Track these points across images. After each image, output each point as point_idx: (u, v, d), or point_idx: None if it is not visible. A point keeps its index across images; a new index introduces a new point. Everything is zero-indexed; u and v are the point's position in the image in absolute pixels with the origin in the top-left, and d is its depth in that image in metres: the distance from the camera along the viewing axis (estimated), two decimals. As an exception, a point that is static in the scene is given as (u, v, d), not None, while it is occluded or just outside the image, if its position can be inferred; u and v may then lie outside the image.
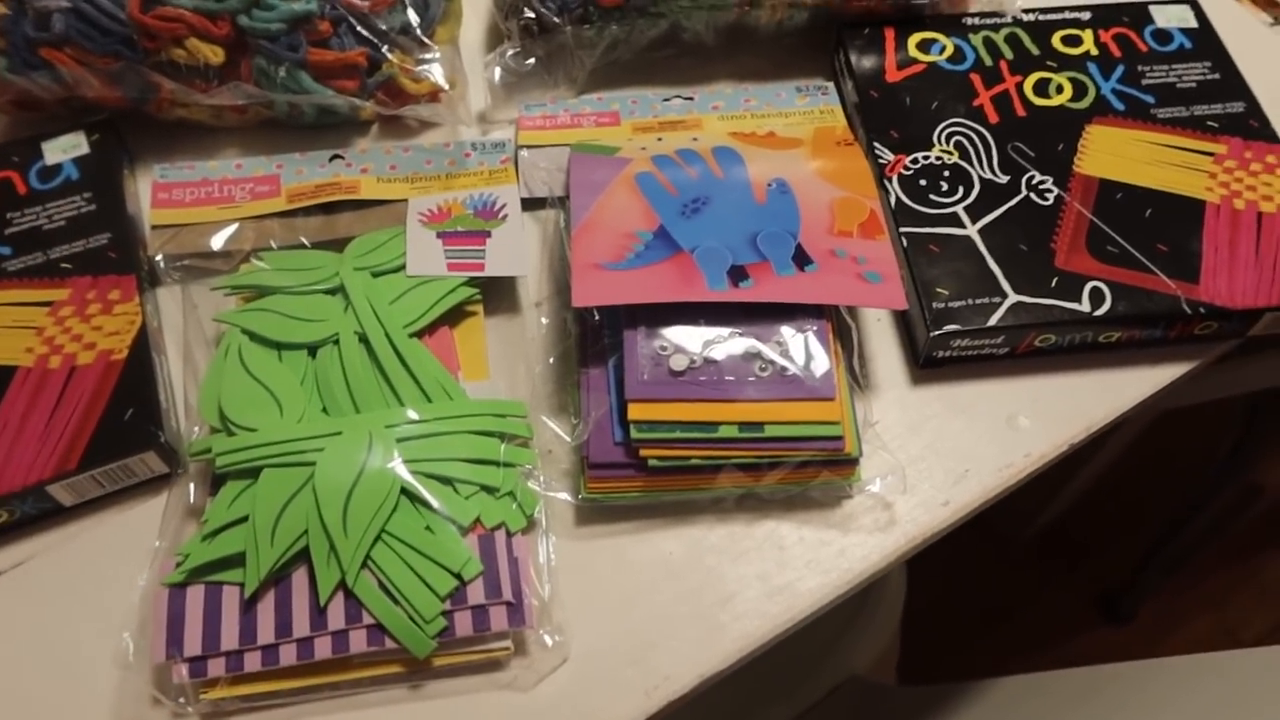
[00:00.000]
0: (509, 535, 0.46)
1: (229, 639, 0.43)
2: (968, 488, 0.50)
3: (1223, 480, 1.09)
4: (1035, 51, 0.62)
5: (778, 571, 0.47)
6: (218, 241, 0.55)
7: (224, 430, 0.47)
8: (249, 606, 0.44)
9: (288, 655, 0.43)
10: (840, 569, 0.48)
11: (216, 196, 0.57)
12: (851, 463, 0.48)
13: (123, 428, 0.48)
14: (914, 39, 0.63)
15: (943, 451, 0.51)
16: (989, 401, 0.52)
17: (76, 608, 0.47)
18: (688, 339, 0.48)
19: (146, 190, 0.59)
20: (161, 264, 0.55)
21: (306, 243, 0.55)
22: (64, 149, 0.58)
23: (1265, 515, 1.29)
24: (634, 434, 0.46)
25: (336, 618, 0.44)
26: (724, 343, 0.48)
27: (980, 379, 0.53)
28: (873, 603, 0.80)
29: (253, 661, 0.43)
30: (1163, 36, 0.63)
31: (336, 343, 0.50)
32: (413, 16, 0.60)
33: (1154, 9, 0.64)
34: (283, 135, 0.62)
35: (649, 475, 0.47)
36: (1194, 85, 0.60)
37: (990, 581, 1.27)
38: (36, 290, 0.53)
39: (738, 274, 0.49)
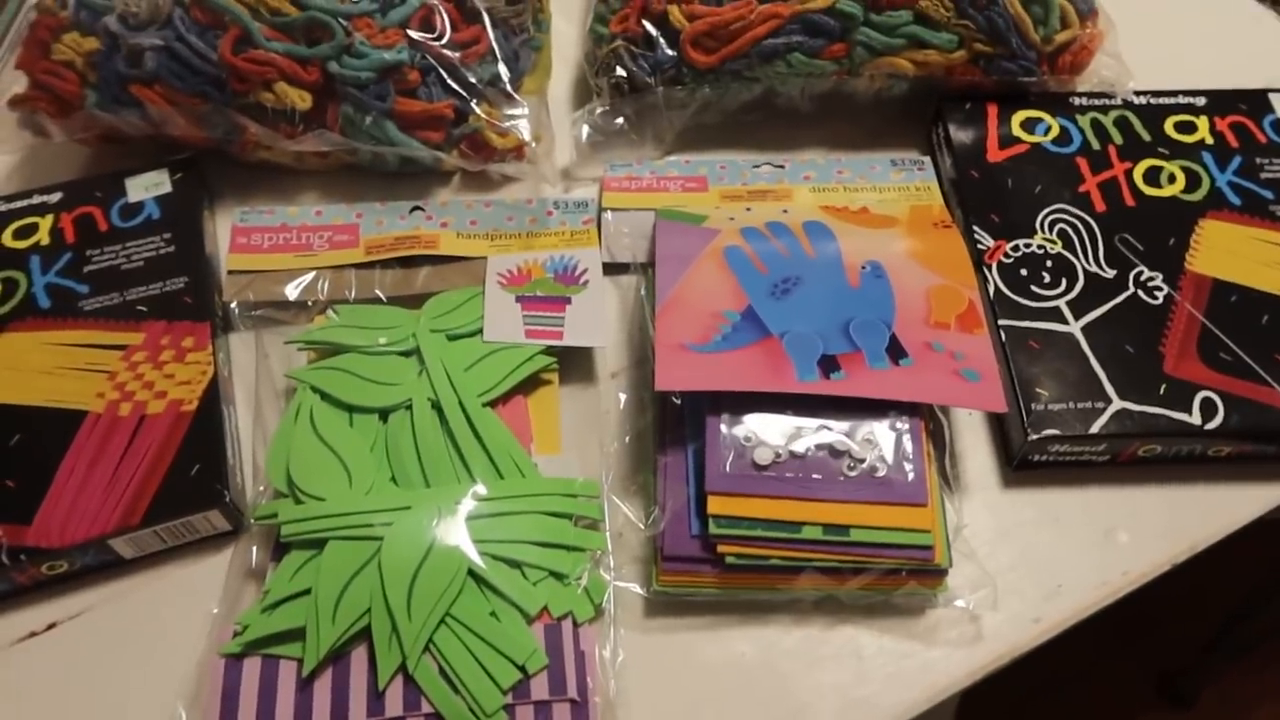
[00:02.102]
0: (575, 625, 0.44)
1: (284, 719, 0.42)
2: (1060, 605, 0.47)
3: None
4: (1146, 137, 0.59)
5: (856, 683, 0.45)
6: (293, 291, 0.54)
7: (291, 496, 0.46)
8: (305, 684, 0.42)
9: (342, 740, 0.42)
10: (923, 684, 0.45)
11: (294, 244, 0.56)
12: (940, 573, 0.45)
13: (189, 484, 0.47)
14: (1018, 117, 0.60)
15: (1034, 563, 0.48)
16: (1086, 512, 0.49)
17: (131, 665, 0.46)
18: (773, 430, 0.46)
19: (225, 230, 0.59)
20: (236, 311, 0.54)
21: (383, 297, 0.54)
22: (146, 186, 0.58)
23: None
24: (713, 529, 0.44)
25: (394, 703, 0.42)
26: (811, 436, 0.46)
27: (1077, 485, 0.50)
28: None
29: (306, 745, 0.42)
30: (1283, 127, 0.60)
31: (409, 408, 0.49)
32: (503, 69, 0.59)
33: (1274, 98, 0.61)
34: (364, 180, 0.61)
35: (726, 572, 0.45)
36: (1317, 182, 0.57)
37: (1046, 653, 1.22)
38: (111, 332, 0.52)
39: (828, 364, 0.47)
